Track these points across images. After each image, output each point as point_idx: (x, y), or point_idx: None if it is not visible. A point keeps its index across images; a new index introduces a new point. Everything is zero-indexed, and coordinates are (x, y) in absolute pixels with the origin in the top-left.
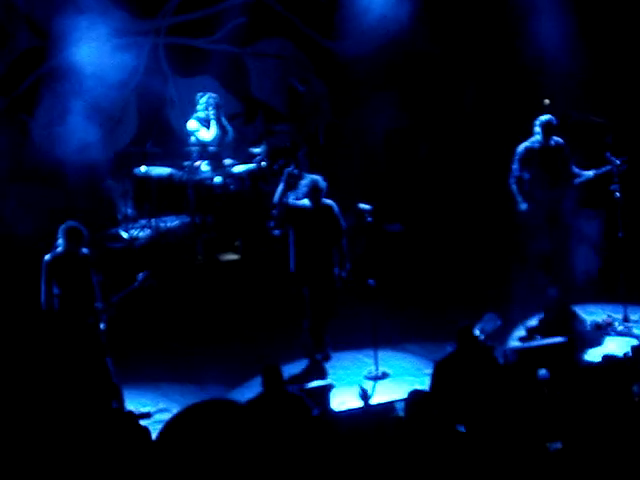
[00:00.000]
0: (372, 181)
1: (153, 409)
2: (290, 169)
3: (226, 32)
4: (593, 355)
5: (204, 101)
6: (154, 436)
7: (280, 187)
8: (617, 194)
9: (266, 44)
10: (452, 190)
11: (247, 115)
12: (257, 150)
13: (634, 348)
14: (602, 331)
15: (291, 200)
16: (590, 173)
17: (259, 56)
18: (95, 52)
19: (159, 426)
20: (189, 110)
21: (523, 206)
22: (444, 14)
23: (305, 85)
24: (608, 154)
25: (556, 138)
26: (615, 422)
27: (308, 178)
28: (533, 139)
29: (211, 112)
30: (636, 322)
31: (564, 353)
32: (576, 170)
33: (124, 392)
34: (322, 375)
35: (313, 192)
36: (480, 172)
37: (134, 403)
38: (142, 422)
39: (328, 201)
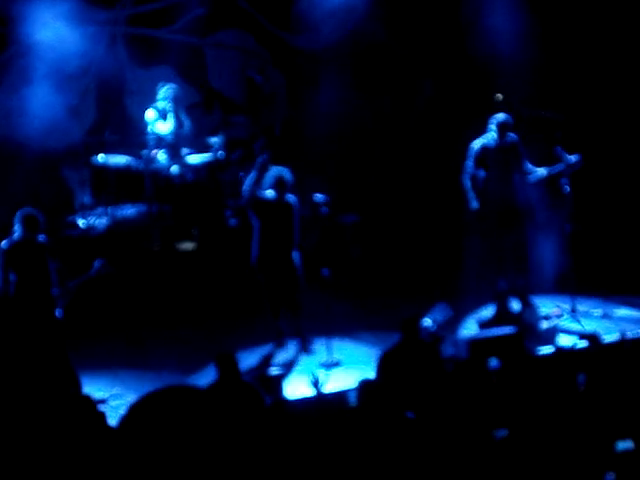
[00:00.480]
0: (327, 172)
1: (108, 394)
2: (264, 158)
3: (185, 23)
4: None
5: (164, 92)
6: (115, 422)
7: (252, 175)
8: (567, 187)
9: (224, 35)
10: (407, 182)
11: (205, 105)
12: (214, 140)
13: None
14: (554, 327)
15: (257, 190)
16: (544, 171)
17: (217, 47)
18: (53, 41)
19: (114, 412)
20: (147, 99)
21: (474, 204)
22: (399, 8)
23: (263, 77)
24: (559, 149)
25: (511, 135)
26: (560, 411)
27: (275, 170)
28: (488, 136)
29: (168, 105)
30: (584, 313)
31: (514, 343)
32: (530, 167)
33: (80, 378)
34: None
35: (279, 184)
36: (434, 164)
37: (89, 389)
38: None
39: (292, 198)
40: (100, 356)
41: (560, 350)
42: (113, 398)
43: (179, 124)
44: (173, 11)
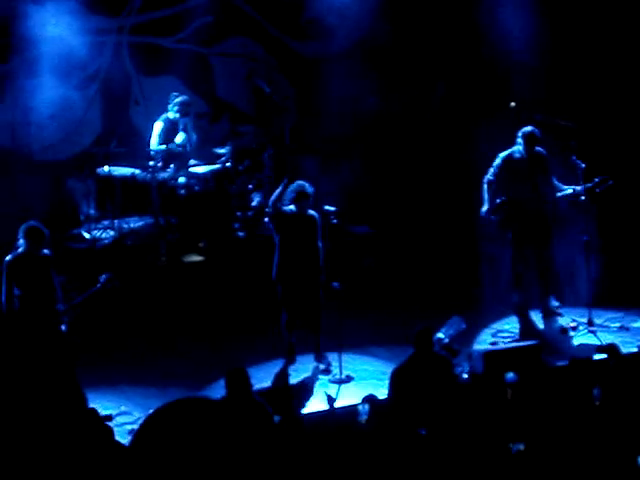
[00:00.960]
0: (338, 182)
1: (115, 412)
2: (289, 174)
3: (191, 31)
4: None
5: (178, 102)
6: (121, 439)
7: (278, 190)
8: (582, 198)
9: (231, 44)
10: (419, 192)
11: (212, 115)
12: (222, 151)
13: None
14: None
15: (280, 205)
16: (569, 189)
17: (224, 56)
18: (58, 50)
19: (121, 429)
20: (153, 110)
21: (483, 210)
22: (410, 12)
23: (271, 86)
24: (574, 157)
25: (538, 149)
26: (578, 424)
27: (295, 184)
28: (514, 148)
29: (179, 116)
30: (600, 326)
31: (531, 356)
32: (556, 183)
33: (86, 394)
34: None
35: (300, 197)
36: (447, 173)
37: (96, 405)
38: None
39: (313, 212)
40: (106, 372)
41: (577, 362)
42: (120, 415)
43: (188, 136)
44: (179, 19)
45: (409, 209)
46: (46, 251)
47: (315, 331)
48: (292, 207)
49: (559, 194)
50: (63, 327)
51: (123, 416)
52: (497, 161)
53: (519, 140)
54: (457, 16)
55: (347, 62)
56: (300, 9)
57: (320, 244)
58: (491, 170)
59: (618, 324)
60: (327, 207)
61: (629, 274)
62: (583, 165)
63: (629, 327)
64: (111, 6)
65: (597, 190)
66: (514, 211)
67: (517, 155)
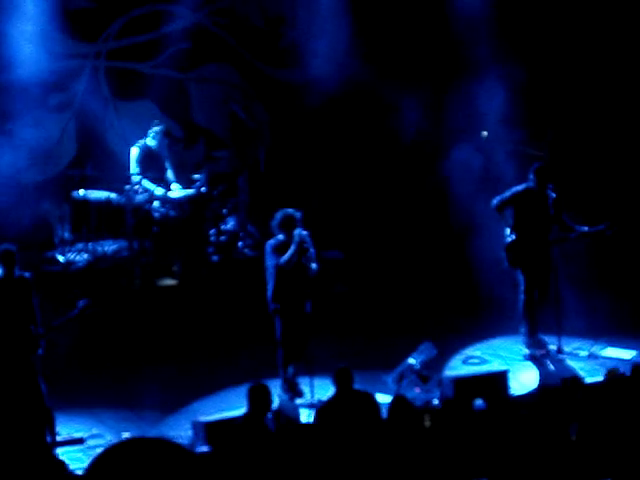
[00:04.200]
0: (310, 207)
1: (86, 435)
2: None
3: (167, 57)
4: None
5: (157, 131)
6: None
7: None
8: (608, 233)
9: (208, 69)
10: (392, 218)
11: (187, 140)
12: (197, 176)
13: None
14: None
15: (270, 243)
16: (584, 228)
17: (200, 81)
18: (34, 74)
19: (92, 452)
20: (129, 133)
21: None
22: (385, 43)
23: (246, 111)
24: (550, 187)
25: (551, 186)
26: (550, 458)
27: (280, 212)
28: (526, 185)
29: (158, 144)
30: (569, 354)
31: (498, 383)
32: (569, 223)
33: (58, 417)
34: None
35: (288, 224)
36: (420, 200)
37: (67, 428)
38: (75, 448)
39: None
40: (79, 395)
41: (546, 390)
42: (91, 438)
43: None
44: (156, 45)
45: (380, 233)
46: (26, 274)
47: (299, 360)
48: (280, 236)
49: (573, 235)
50: (40, 350)
51: (95, 439)
52: (507, 193)
53: (530, 176)
54: (430, 50)
55: (320, 90)
56: (277, 36)
57: (314, 266)
58: (495, 201)
59: (587, 352)
60: (299, 231)
61: (599, 302)
62: (554, 195)
63: (598, 355)
64: (89, 32)
65: (608, 233)
66: (522, 250)
67: (528, 192)
